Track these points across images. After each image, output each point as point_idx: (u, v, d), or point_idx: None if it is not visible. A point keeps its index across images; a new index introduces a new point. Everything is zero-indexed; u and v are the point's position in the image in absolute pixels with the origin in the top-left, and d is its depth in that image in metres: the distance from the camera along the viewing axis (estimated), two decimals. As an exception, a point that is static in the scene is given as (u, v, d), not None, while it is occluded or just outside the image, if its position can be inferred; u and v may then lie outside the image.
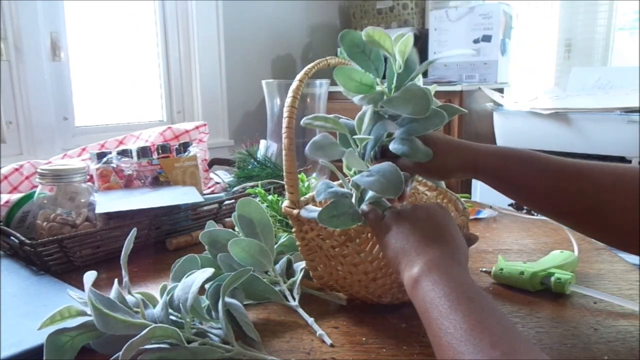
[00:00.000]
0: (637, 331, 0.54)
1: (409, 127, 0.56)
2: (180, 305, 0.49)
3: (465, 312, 0.37)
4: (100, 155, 0.90)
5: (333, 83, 0.58)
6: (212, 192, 1.07)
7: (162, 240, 0.85)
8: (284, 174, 0.57)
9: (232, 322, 0.52)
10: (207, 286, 0.55)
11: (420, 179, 0.76)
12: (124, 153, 0.93)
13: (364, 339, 0.53)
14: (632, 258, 0.68)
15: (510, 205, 1.02)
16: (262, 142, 1.15)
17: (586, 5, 2.25)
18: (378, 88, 0.57)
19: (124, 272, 0.53)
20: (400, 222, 0.49)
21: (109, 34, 1.98)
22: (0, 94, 1.64)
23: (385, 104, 0.55)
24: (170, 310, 0.50)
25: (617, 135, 1.60)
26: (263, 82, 1.15)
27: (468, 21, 2.20)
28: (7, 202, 0.82)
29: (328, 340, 0.52)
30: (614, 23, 2.22)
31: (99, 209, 0.78)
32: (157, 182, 0.92)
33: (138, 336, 0.43)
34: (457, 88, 2.02)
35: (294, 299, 0.60)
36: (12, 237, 0.73)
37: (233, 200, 0.92)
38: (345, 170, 0.60)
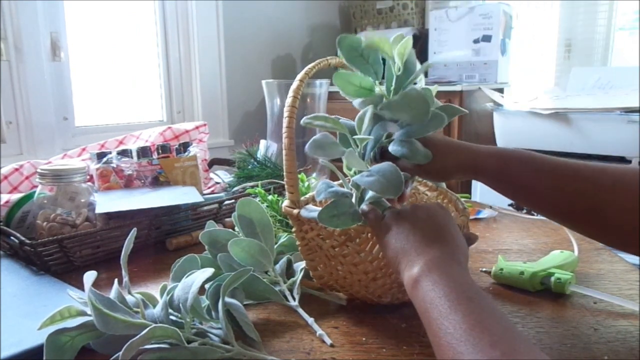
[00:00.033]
0: (637, 331, 0.54)
1: (408, 129, 0.56)
2: (180, 305, 0.49)
3: (465, 312, 0.37)
4: (100, 155, 0.90)
5: (333, 83, 0.58)
6: (212, 192, 1.07)
7: (162, 240, 0.85)
8: (284, 173, 0.57)
9: (232, 322, 0.52)
10: (207, 286, 0.55)
11: (420, 179, 0.76)
12: (124, 153, 0.93)
13: (364, 339, 0.53)
14: (632, 258, 0.68)
15: (510, 205, 1.02)
16: (262, 142, 1.15)
17: (586, 5, 2.25)
18: (377, 90, 0.57)
19: (124, 272, 0.53)
20: (400, 222, 0.49)
21: (109, 34, 1.98)
22: (0, 94, 1.64)
23: (384, 107, 0.55)
24: (170, 310, 0.50)
25: (617, 135, 1.60)
26: (263, 82, 1.15)
27: (468, 21, 2.20)
28: (7, 202, 0.82)
29: (328, 340, 0.52)
30: (614, 23, 2.22)
31: (99, 209, 0.78)
32: (157, 182, 0.92)
33: (138, 336, 0.43)
34: (457, 88, 2.02)
35: (294, 299, 0.60)
36: (12, 237, 0.73)
37: (233, 200, 0.92)
38: (345, 170, 0.60)
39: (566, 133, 1.70)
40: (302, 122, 0.56)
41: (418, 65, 0.57)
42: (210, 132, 1.27)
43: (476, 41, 2.19)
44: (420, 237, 0.47)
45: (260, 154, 1.10)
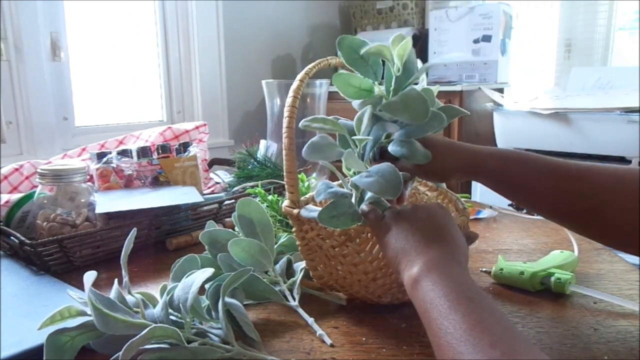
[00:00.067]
0: (637, 331, 0.54)
1: (407, 130, 0.56)
2: (180, 305, 0.49)
3: (464, 312, 0.37)
4: (100, 155, 0.90)
5: (333, 84, 0.58)
6: (212, 192, 1.07)
7: (162, 240, 0.85)
8: (284, 173, 0.57)
9: (232, 322, 0.52)
10: (207, 286, 0.55)
11: (420, 179, 0.75)
12: (124, 153, 0.93)
13: (364, 339, 0.53)
14: (632, 258, 0.68)
15: (510, 205, 1.02)
16: (262, 142, 1.15)
17: (586, 5, 2.25)
18: (376, 91, 0.57)
19: (124, 272, 0.53)
20: (400, 222, 0.49)
21: (109, 34, 1.98)
22: (0, 94, 1.64)
23: (383, 108, 0.55)
24: (170, 310, 0.50)
25: (617, 135, 1.60)
26: (263, 82, 1.15)
27: (468, 21, 2.20)
28: (7, 202, 0.82)
29: (328, 340, 0.52)
30: (614, 23, 2.22)
31: (99, 209, 0.78)
32: (157, 182, 0.92)
33: (138, 336, 0.43)
34: (457, 88, 2.02)
35: (294, 299, 0.60)
36: (12, 237, 0.73)
37: (233, 200, 0.92)
38: (344, 170, 0.60)
39: (566, 133, 1.70)
40: (300, 124, 0.56)
41: (419, 64, 0.57)
42: (210, 132, 1.27)
43: (476, 41, 2.19)
44: (420, 237, 0.47)
45: (260, 154, 1.10)
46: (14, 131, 1.71)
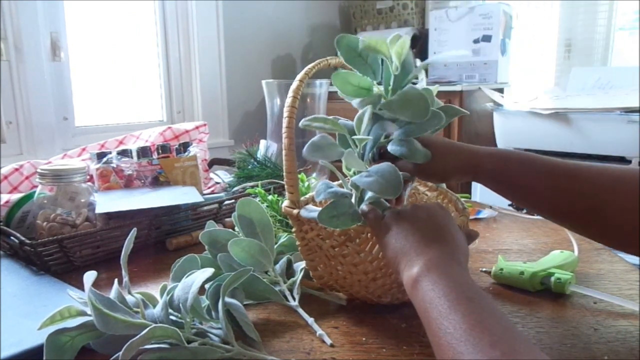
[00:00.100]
0: (637, 331, 0.54)
1: (407, 129, 0.56)
2: (180, 305, 0.49)
3: (464, 312, 0.37)
4: (100, 155, 0.90)
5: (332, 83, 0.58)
6: (212, 192, 1.07)
7: (162, 240, 0.85)
8: (284, 174, 0.57)
9: (232, 322, 0.52)
10: (207, 286, 0.55)
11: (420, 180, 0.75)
12: (124, 153, 0.93)
13: (364, 339, 0.53)
14: (632, 258, 0.68)
15: (510, 205, 1.02)
16: (262, 142, 1.15)
17: (586, 5, 2.25)
18: (375, 90, 0.57)
19: (124, 272, 0.53)
20: (400, 222, 0.49)
21: (109, 34, 1.98)
22: (0, 94, 1.64)
23: (383, 107, 0.55)
24: (170, 310, 0.50)
25: (617, 135, 1.60)
26: (263, 82, 1.15)
27: (468, 21, 2.20)
28: (7, 202, 0.82)
29: (328, 340, 0.52)
30: (614, 23, 2.22)
31: (99, 209, 0.78)
32: (157, 182, 0.92)
33: (138, 336, 0.43)
34: (457, 88, 2.02)
35: (294, 299, 0.60)
36: (12, 237, 0.73)
37: (233, 200, 0.92)
38: (344, 170, 0.60)
39: (566, 133, 1.70)
40: (300, 124, 0.56)
41: (418, 62, 0.57)
42: (210, 132, 1.27)
43: (476, 41, 2.19)
44: (419, 237, 0.47)
45: (260, 154, 1.10)
46: (14, 131, 1.71)
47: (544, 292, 0.64)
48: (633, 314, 0.57)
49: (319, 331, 0.54)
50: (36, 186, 0.83)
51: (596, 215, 0.49)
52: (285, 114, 0.56)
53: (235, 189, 1.01)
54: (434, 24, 2.31)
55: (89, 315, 0.46)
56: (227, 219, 0.93)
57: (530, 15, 2.43)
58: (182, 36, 2.19)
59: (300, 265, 0.65)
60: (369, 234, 0.54)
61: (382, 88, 0.57)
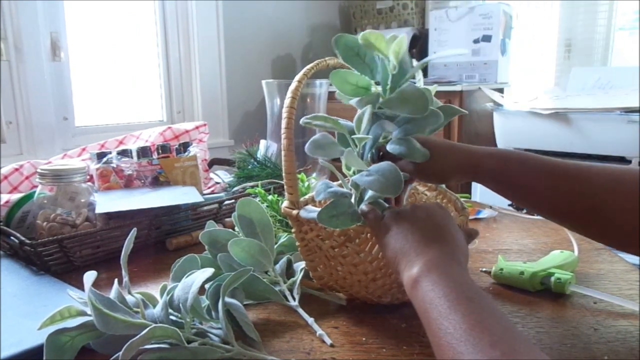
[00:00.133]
0: (637, 331, 0.54)
1: (405, 128, 0.55)
2: (180, 305, 0.49)
3: (464, 312, 0.37)
4: (100, 155, 0.90)
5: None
6: (212, 192, 1.07)
7: (162, 240, 0.85)
8: (283, 174, 0.57)
9: (232, 322, 0.52)
10: (207, 286, 0.55)
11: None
12: (124, 153, 0.93)
13: (364, 339, 0.53)
14: (632, 258, 0.68)
15: (510, 205, 1.02)
16: (262, 142, 1.15)
17: (586, 5, 2.25)
18: (373, 89, 0.57)
19: (124, 272, 0.53)
20: (400, 222, 0.49)
21: (109, 34, 1.98)
22: (0, 94, 1.64)
23: (383, 105, 0.55)
24: (170, 310, 0.50)
25: (617, 135, 1.60)
26: (263, 82, 1.15)
27: (468, 21, 2.20)
28: (7, 202, 0.82)
29: (328, 340, 0.52)
30: (614, 23, 2.22)
31: (99, 209, 0.78)
32: (157, 182, 0.92)
33: (138, 336, 0.43)
34: (457, 88, 2.02)
35: (294, 299, 0.60)
36: (12, 237, 0.73)
37: (233, 200, 0.92)
38: (344, 170, 0.60)
39: (566, 133, 1.70)
40: (301, 121, 0.56)
41: (415, 63, 0.57)
42: (210, 132, 1.27)
43: (476, 41, 2.19)
44: (419, 237, 0.47)
45: (260, 154, 1.10)
46: (14, 131, 1.71)
47: (544, 292, 0.64)
48: (633, 314, 0.57)
49: (319, 331, 0.54)
50: (36, 186, 0.83)
51: (596, 215, 0.49)
52: (284, 115, 0.56)
53: (235, 189, 1.01)
54: (434, 24, 2.31)
55: (89, 315, 0.46)
56: (227, 219, 0.93)
57: (530, 15, 2.43)
58: (182, 36, 2.19)
59: (300, 265, 0.65)
60: (368, 234, 0.54)
61: (380, 88, 0.57)
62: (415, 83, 0.61)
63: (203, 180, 1.07)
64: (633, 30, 2.18)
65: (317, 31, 2.72)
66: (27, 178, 0.94)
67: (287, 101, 0.56)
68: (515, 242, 0.84)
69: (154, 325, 0.45)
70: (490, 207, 1.01)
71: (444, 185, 0.73)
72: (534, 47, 2.45)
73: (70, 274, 0.73)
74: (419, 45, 2.40)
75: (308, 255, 0.60)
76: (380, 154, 0.59)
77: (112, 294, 0.50)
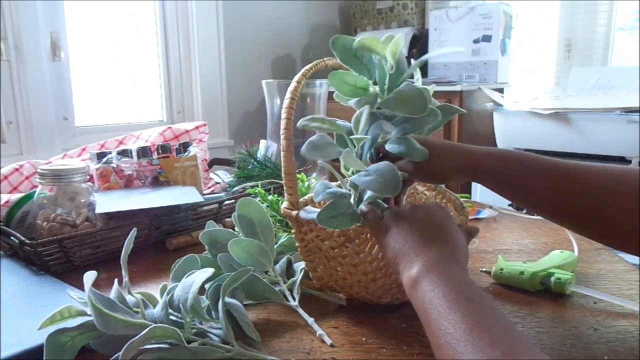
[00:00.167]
0: (637, 331, 0.54)
1: (404, 127, 0.55)
2: (180, 305, 0.49)
3: (464, 312, 0.37)
4: (100, 155, 0.90)
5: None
6: (212, 192, 1.07)
7: (162, 240, 0.85)
8: (283, 175, 0.57)
9: (232, 322, 0.52)
10: (207, 286, 0.55)
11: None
12: (124, 153, 0.93)
13: (364, 339, 0.53)
14: (632, 258, 0.68)
15: (510, 205, 1.02)
16: (262, 142, 1.15)
17: (586, 5, 2.25)
18: (371, 90, 0.57)
19: (124, 272, 0.53)
20: (399, 222, 0.49)
21: (109, 34, 1.98)
22: (0, 94, 1.64)
23: (381, 105, 0.55)
24: (170, 310, 0.50)
25: (617, 135, 1.60)
26: (263, 82, 1.15)
27: (468, 21, 2.20)
28: (7, 202, 0.82)
29: (328, 340, 0.52)
30: (614, 23, 2.22)
31: (99, 209, 0.78)
32: (157, 182, 0.92)
33: (138, 336, 0.43)
34: (457, 88, 2.02)
35: (294, 299, 0.60)
36: (12, 237, 0.73)
37: (233, 200, 0.92)
38: (343, 170, 0.60)
39: (566, 133, 1.70)
40: (298, 124, 0.56)
41: (413, 62, 0.57)
42: (210, 132, 1.27)
43: (476, 41, 2.19)
44: (419, 238, 0.47)
45: (260, 154, 1.10)
46: (14, 131, 1.71)
47: (544, 292, 0.64)
48: (633, 314, 0.57)
49: (319, 331, 0.54)
50: (36, 186, 0.83)
51: (596, 216, 0.49)
52: (283, 116, 0.56)
53: (235, 189, 1.01)
54: (434, 24, 2.31)
55: (89, 315, 0.46)
56: (227, 219, 0.93)
57: (530, 15, 2.43)
58: (182, 36, 2.19)
59: (300, 265, 0.65)
60: (368, 235, 0.54)
61: (378, 88, 0.57)
62: (413, 83, 0.61)
63: (203, 180, 1.07)
64: (633, 30, 2.18)
65: (317, 31, 2.72)
66: (27, 178, 0.94)
67: (286, 102, 0.56)
68: (515, 242, 0.84)
69: (154, 325, 0.45)
70: (490, 207, 1.01)
71: (443, 185, 0.73)
72: (534, 47, 2.45)
73: (70, 274, 0.73)
74: (419, 45, 2.40)
75: (308, 256, 0.60)
76: (380, 155, 0.59)
77: (112, 294, 0.50)
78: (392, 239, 0.49)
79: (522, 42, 2.42)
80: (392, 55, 0.53)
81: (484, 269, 0.69)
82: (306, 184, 0.87)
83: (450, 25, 2.25)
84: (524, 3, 2.41)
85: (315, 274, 0.61)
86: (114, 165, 0.89)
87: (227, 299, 0.54)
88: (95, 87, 1.96)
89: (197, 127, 1.15)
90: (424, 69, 2.34)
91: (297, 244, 0.61)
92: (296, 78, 0.58)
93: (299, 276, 0.63)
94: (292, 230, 0.61)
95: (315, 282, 0.63)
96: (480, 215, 0.97)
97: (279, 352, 0.51)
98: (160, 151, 0.96)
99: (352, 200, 0.56)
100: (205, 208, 0.91)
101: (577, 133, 1.67)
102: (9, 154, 1.69)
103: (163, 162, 0.93)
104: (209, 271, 0.52)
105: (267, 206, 0.79)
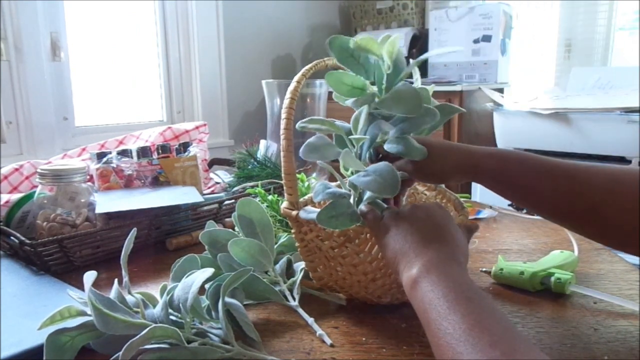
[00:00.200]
0: (637, 331, 0.54)
1: (402, 126, 0.55)
2: (180, 305, 0.49)
3: (464, 313, 0.37)
4: (100, 155, 0.90)
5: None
6: (212, 192, 1.07)
7: (162, 240, 0.85)
8: (283, 175, 0.57)
9: (232, 322, 0.52)
10: (207, 286, 0.55)
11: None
12: (124, 153, 0.93)
13: (364, 339, 0.53)
14: (632, 258, 0.68)
15: (510, 205, 1.02)
16: (262, 142, 1.15)
17: (586, 5, 2.25)
18: (369, 90, 0.57)
19: (124, 272, 0.53)
20: (399, 222, 0.49)
21: (109, 34, 1.98)
22: (0, 94, 1.64)
23: (378, 105, 0.55)
24: (170, 310, 0.50)
25: (617, 135, 1.60)
26: (263, 82, 1.15)
27: (468, 21, 2.20)
28: (7, 202, 0.82)
29: (328, 340, 0.52)
30: (614, 23, 2.22)
31: (99, 209, 0.78)
32: (157, 182, 0.92)
33: (138, 336, 0.43)
34: (457, 88, 2.02)
35: (294, 299, 0.60)
36: (12, 237, 0.73)
37: (233, 200, 0.92)
38: (342, 170, 0.60)
39: (566, 133, 1.70)
40: (297, 126, 0.56)
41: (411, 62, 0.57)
42: (210, 132, 1.27)
43: (476, 41, 2.19)
44: (418, 238, 0.47)
45: (260, 154, 1.10)
46: (14, 131, 1.71)
47: (544, 292, 0.64)
48: (633, 314, 0.57)
49: (319, 331, 0.54)
50: (36, 186, 0.83)
51: (596, 216, 0.49)
52: (283, 116, 0.56)
53: (235, 189, 1.01)
54: (434, 24, 2.31)
55: (89, 315, 0.46)
56: (227, 219, 0.93)
57: (530, 15, 2.43)
58: (182, 36, 2.19)
59: (300, 265, 0.65)
60: (368, 235, 0.54)
61: (375, 88, 0.57)
62: (412, 83, 0.61)
63: (203, 180, 1.07)
64: (633, 30, 2.18)
65: (317, 31, 2.72)
66: (27, 178, 0.94)
67: (285, 102, 0.56)
68: (515, 242, 0.84)
69: (154, 325, 0.45)
70: (490, 207, 1.01)
71: (443, 185, 0.73)
72: (534, 47, 2.45)
73: (70, 274, 0.73)
74: (419, 46, 2.40)
75: (308, 256, 0.60)
76: (380, 156, 0.59)
77: (112, 294, 0.50)
78: (391, 239, 0.49)
79: (522, 42, 2.42)
80: (389, 55, 0.53)
81: (484, 269, 0.69)
82: (306, 184, 0.87)
83: (450, 25, 2.25)
84: (524, 3, 2.41)
85: (315, 274, 0.61)
86: (114, 165, 0.89)
87: (227, 299, 0.54)
88: (95, 87, 1.96)
89: (197, 127, 1.15)
90: (424, 69, 2.34)
91: (297, 244, 0.61)
92: (296, 78, 0.58)
93: (299, 276, 0.63)
94: (292, 230, 0.61)
95: (315, 282, 0.63)
96: (480, 215, 0.97)
97: (279, 352, 0.51)
98: (160, 151, 0.96)
99: (351, 201, 0.56)
100: (205, 208, 0.91)
101: (577, 133, 1.67)
102: (9, 154, 1.69)
103: (163, 162, 0.93)
104: (209, 271, 0.52)
105: (267, 206, 0.79)
